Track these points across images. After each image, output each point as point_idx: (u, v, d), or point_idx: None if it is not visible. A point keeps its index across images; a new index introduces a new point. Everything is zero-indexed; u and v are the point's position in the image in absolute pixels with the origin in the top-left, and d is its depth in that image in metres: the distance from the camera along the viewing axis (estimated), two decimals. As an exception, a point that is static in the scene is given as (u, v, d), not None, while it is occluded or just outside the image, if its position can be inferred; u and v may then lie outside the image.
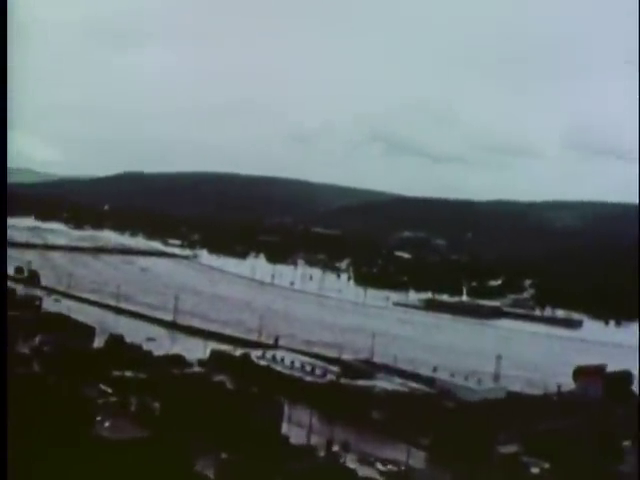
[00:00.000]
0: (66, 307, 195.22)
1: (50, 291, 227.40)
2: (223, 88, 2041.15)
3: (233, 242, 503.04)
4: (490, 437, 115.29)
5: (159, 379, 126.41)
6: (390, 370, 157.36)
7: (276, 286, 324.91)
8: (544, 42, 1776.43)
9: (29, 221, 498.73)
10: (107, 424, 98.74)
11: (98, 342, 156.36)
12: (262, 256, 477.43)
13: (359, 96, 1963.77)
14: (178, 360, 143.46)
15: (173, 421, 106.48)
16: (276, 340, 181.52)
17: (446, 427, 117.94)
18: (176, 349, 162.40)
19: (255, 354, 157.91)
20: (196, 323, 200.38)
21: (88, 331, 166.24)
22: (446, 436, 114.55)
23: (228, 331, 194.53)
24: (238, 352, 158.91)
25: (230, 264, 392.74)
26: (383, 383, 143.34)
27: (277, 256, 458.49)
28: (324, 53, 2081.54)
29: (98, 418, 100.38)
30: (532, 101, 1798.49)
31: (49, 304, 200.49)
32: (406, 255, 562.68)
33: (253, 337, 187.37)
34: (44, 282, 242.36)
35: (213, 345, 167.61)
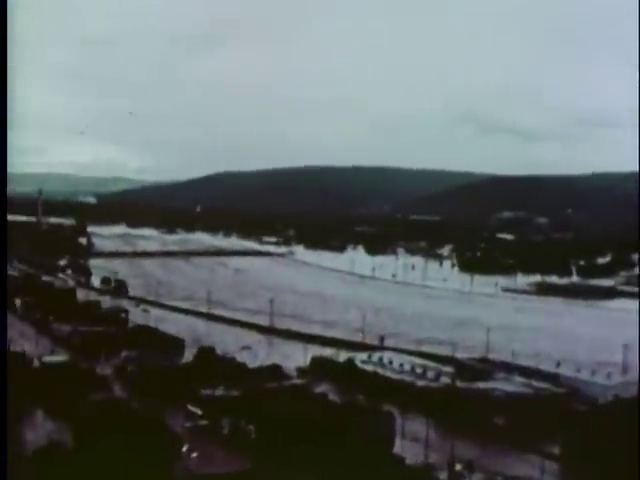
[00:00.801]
0: (155, 318, 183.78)
1: (139, 301, 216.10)
2: (309, 83, 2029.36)
3: (329, 236, 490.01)
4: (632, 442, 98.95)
5: (254, 396, 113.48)
6: (510, 368, 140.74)
7: (377, 279, 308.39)
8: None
9: (120, 229, 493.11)
10: (194, 455, 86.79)
11: (188, 355, 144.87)
12: (360, 248, 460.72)
13: (446, 79, 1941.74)
14: (275, 371, 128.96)
15: (271, 445, 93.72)
16: (381, 340, 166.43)
17: (579, 432, 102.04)
18: (273, 357, 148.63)
19: (360, 358, 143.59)
20: (295, 326, 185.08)
21: (177, 344, 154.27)
22: (579, 443, 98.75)
23: (329, 333, 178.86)
24: (341, 357, 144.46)
25: (327, 259, 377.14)
26: (503, 384, 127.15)
27: (376, 247, 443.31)
28: (410, 38, 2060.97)
29: (184, 448, 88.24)
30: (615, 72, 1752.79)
31: (137, 315, 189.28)
32: (509, 236, 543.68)
33: (356, 338, 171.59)
34: (133, 292, 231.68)
35: (314, 349, 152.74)
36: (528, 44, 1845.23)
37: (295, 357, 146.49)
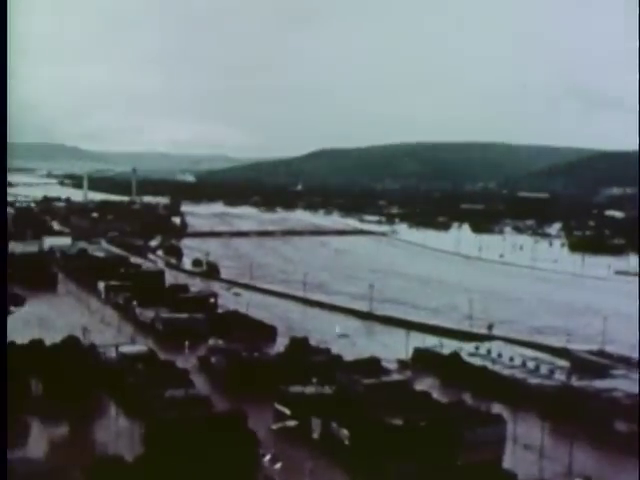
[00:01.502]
0: (247, 302, 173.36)
1: (231, 284, 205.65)
2: (413, 59, 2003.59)
3: (434, 213, 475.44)
4: None
5: (350, 394, 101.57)
6: (630, 363, 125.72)
7: (484, 260, 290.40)
8: None
9: (217, 207, 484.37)
10: (278, 464, 76.14)
11: (279, 345, 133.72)
12: (466, 226, 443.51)
13: (550, 52, 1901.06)
14: (373, 365, 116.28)
15: (366, 452, 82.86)
16: (490, 328, 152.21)
17: None
18: (372, 347, 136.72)
19: (466, 350, 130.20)
20: (397, 312, 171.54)
21: (268, 332, 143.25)
22: None
23: (434, 320, 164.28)
24: (446, 348, 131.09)
25: (432, 238, 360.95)
26: (623, 382, 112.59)
27: (482, 225, 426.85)
28: (514, 10, 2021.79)
29: (268, 456, 77.25)
30: None
31: (228, 300, 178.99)
32: (618, 214, 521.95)
33: (463, 326, 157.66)
34: (226, 274, 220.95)
35: (416, 339, 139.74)
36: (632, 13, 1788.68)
37: (396, 347, 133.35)
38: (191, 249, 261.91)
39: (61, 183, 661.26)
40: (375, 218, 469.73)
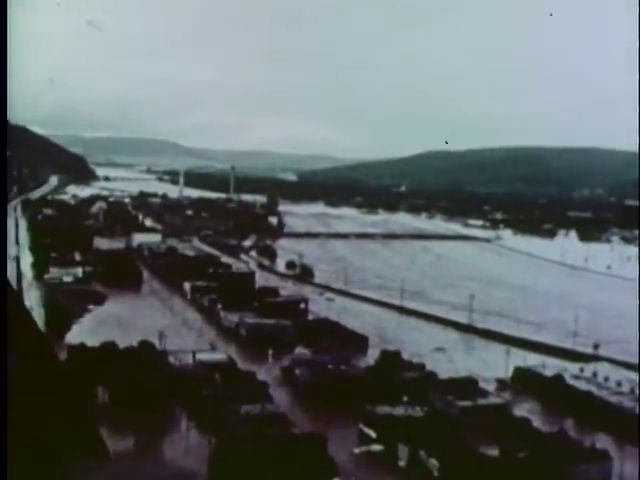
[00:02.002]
0: (339, 308, 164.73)
1: (324, 288, 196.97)
2: (515, 59, 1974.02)
3: (540, 220, 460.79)
4: None
5: (442, 418, 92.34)
6: None
7: (590, 271, 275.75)
8: None
9: (317, 208, 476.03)
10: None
11: (370, 358, 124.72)
12: (572, 234, 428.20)
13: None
14: (470, 385, 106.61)
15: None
16: (596, 347, 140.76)
17: None
18: (470, 363, 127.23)
19: (570, 371, 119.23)
20: (498, 325, 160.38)
21: (358, 343, 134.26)
22: None
23: (537, 336, 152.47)
24: (549, 368, 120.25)
25: (537, 245, 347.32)
26: None
27: (589, 234, 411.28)
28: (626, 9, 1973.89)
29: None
30: None
31: (320, 305, 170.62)
32: None
33: (567, 343, 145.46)
34: (320, 277, 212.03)
35: (517, 356, 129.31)
36: None
37: (495, 364, 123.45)
38: (286, 250, 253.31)
39: (160, 179, 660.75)
40: (479, 223, 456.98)
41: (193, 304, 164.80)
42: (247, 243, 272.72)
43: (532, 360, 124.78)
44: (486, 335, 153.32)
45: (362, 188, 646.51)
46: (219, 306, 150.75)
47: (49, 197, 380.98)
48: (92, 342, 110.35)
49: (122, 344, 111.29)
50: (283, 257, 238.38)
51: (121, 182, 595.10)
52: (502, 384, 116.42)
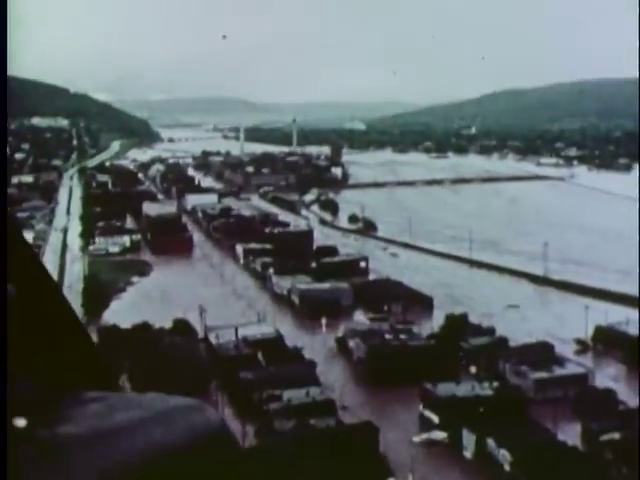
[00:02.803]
0: (404, 264, 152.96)
1: (389, 242, 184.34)
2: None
3: (615, 154, 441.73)
4: None
5: (514, 396, 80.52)
6: None
7: None
8: None
9: (386, 155, 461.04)
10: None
11: (434, 322, 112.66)
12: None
13: None
14: (545, 352, 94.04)
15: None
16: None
17: None
18: (546, 322, 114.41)
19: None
20: (578, 275, 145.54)
21: (423, 304, 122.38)
22: None
23: (621, 286, 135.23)
24: (633, 326, 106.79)
25: (613, 181, 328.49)
26: None
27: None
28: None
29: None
30: None
31: (383, 261, 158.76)
32: None
33: None
34: (384, 231, 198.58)
35: (598, 309, 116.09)
36: None
37: (573, 322, 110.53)
38: (350, 203, 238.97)
39: (225, 137, 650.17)
40: (552, 161, 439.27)
41: (246, 269, 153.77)
42: (309, 197, 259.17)
43: (614, 315, 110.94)
44: (564, 287, 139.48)
45: (431, 132, 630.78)
46: (271, 271, 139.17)
47: (107, 163, 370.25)
48: (128, 321, 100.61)
49: (162, 321, 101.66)
50: (346, 210, 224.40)
51: (185, 142, 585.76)
52: (582, 345, 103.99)
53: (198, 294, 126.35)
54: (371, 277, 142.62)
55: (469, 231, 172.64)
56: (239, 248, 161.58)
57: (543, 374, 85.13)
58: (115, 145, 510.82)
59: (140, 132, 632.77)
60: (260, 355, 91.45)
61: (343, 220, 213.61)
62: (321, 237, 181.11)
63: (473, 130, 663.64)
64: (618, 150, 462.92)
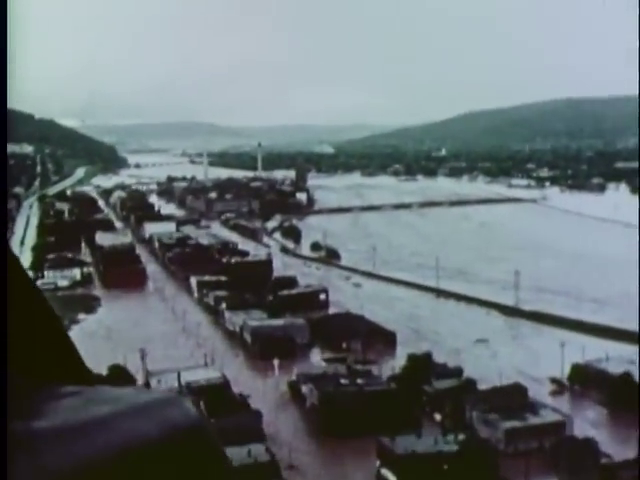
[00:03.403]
0: (367, 296, 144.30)
1: (352, 271, 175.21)
2: (557, 11, 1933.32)
3: (587, 174, 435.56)
4: None
5: (483, 452, 71.70)
6: None
7: None
8: None
9: (353, 179, 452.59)
10: None
11: (398, 358, 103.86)
12: (623, 187, 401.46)
13: None
14: (517, 395, 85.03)
15: None
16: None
17: None
18: (517, 358, 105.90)
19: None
20: (552, 304, 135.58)
21: (385, 340, 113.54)
22: None
23: (596, 316, 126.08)
24: (614, 362, 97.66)
25: (587, 202, 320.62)
26: None
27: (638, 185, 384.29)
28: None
29: None
30: None
31: (345, 292, 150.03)
32: None
33: (634, 326, 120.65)
34: (348, 259, 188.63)
35: (574, 344, 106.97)
36: None
37: (547, 358, 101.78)
38: (314, 229, 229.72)
39: (192, 162, 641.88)
40: (524, 182, 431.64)
41: (199, 303, 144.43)
42: (271, 224, 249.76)
43: (592, 350, 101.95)
44: (537, 318, 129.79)
45: (401, 155, 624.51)
46: (223, 305, 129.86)
47: (69, 191, 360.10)
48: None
49: (104, 363, 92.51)
50: (310, 237, 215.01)
51: (152, 168, 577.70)
52: (557, 385, 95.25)
53: (146, 332, 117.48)
54: (332, 310, 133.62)
55: (436, 258, 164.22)
56: (193, 280, 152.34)
57: (515, 423, 76.16)
58: (80, 172, 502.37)
59: (106, 158, 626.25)
60: (202, 404, 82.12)
61: (306, 247, 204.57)
62: (281, 266, 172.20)
63: (443, 152, 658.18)
64: (590, 170, 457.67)
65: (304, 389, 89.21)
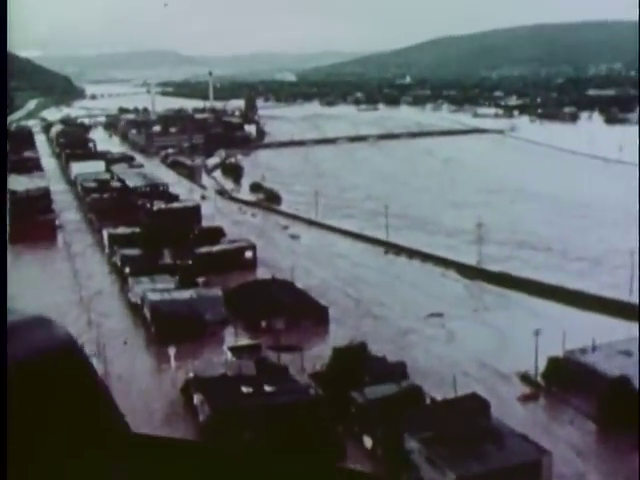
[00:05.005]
0: (304, 250, 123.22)
1: (293, 218, 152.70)
2: None
3: (558, 103, 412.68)
4: None
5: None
6: None
7: (629, 163, 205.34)
8: None
9: (311, 108, 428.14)
10: None
11: (334, 338, 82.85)
12: (596, 117, 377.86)
13: None
14: (474, 413, 63.58)
15: None
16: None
17: None
18: (478, 343, 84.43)
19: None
20: (524, 263, 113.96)
21: (315, 315, 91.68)
22: None
23: (581, 282, 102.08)
24: (605, 357, 76.46)
25: (558, 133, 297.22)
26: None
27: (614, 115, 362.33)
28: None
29: None
30: None
31: (280, 246, 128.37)
32: None
33: (623, 292, 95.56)
34: (291, 202, 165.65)
35: (550, 315, 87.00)
36: None
37: (517, 340, 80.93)
38: (259, 167, 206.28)
39: (148, 92, 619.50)
40: (491, 111, 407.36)
41: (108, 263, 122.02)
42: (213, 161, 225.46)
43: (577, 330, 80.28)
44: (505, 283, 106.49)
45: (363, 83, 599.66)
46: (127, 270, 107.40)
47: (14, 125, 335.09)
48: None
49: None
50: (252, 176, 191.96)
51: (108, 99, 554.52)
52: (529, 386, 73.76)
53: (36, 303, 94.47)
54: (260, 270, 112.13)
55: (393, 202, 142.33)
56: (105, 234, 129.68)
57: (472, 465, 54.53)
58: (31, 104, 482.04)
59: (62, 89, 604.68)
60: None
61: (246, 188, 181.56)
62: (214, 213, 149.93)
63: (407, 79, 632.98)
64: (561, 98, 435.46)
65: (195, 400, 67.69)
